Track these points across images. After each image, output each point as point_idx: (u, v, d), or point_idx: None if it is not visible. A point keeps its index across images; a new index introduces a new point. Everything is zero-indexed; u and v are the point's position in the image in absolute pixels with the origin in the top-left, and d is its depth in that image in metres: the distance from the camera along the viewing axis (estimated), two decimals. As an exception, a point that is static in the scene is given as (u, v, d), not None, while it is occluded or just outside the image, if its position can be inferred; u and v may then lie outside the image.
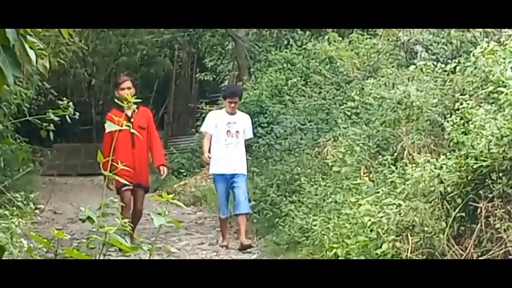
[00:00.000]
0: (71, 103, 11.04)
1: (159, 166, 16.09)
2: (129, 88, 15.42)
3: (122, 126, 6.41)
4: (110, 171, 13.53)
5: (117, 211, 7.54)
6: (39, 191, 20.82)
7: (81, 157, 26.87)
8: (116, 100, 6.94)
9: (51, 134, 12.97)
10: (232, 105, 16.89)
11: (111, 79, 31.59)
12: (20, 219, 8.32)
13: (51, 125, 12.29)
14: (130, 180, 14.69)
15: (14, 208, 13.16)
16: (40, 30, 4.95)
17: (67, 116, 11.10)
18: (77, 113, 11.47)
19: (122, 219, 13.24)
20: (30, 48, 4.81)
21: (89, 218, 6.28)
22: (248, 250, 17.18)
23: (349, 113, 18.73)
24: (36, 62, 5.49)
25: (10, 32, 4.50)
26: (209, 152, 16.98)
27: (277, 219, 16.80)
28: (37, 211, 17.69)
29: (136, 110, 15.11)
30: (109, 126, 6.50)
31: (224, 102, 17.23)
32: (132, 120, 14.74)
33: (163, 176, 16.85)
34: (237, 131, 16.85)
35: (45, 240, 6.31)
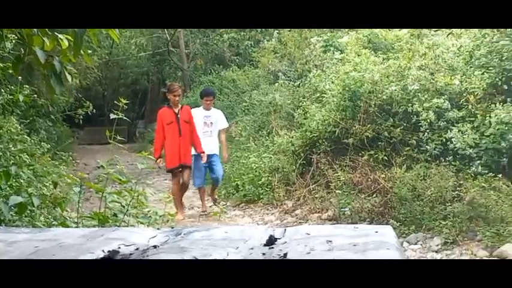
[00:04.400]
0: (91, 104, 10.97)
1: (200, 153, 12.88)
2: (179, 95, 12.87)
3: (118, 116, 6.35)
4: (161, 155, 12.65)
5: (118, 163, 7.42)
6: (77, 152, 20.55)
7: (99, 134, 26.40)
8: (118, 101, 6.68)
9: (81, 121, 12.90)
10: (208, 102, 13.64)
11: (115, 92, 31.21)
12: (65, 167, 8.35)
13: (81, 116, 12.28)
14: (178, 161, 12.52)
15: (62, 161, 13.08)
16: (74, 61, 4.65)
17: (89, 112, 11.03)
18: (94, 110, 11.35)
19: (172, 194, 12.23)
20: (69, 73, 4.78)
21: (102, 166, 6.28)
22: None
23: (243, 109, 18.79)
24: (72, 80, 5.48)
25: (57, 64, 4.43)
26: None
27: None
28: (75, 163, 17.57)
29: (181, 109, 12.77)
30: (112, 116, 6.46)
31: (202, 101, 13.79)
32: (178, 116, 12.57)
33: (204, 161, 12.96)
34: (211, 122, 13.50)
35: (77, 179, 6.26)
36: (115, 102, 7.15)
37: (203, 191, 13.58)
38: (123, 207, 6.24)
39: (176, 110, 12.66)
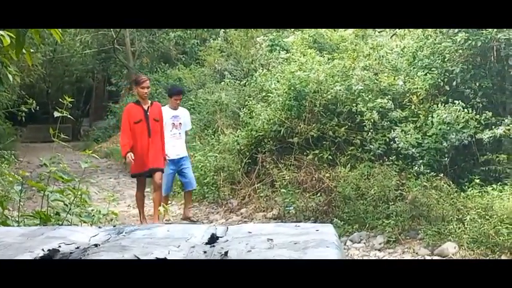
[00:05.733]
0: (34, 102, 10.74)
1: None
2: (148, 87, 11.14)
3: (62, 114, 6.28)
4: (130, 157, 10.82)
5: (61, 161, 7.31)
6: (20, 150, 20.22)
7: (43, 132, 25.99)
8: (65, 98, 6.56)
9: (24, 119, 12.67)
10: (178, 101, 12.10)
11: (59, 89, 30.73)
12: (7, 165, 8.24)
13: (24, 114, 12.07)
14: (149, 166, 10.92)
15: (4, 159, 12.87)
16: (17, 59, 4.50)
17: (33, 109, 10.84)
18: (38, 107, 11.13)
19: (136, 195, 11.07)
20: (9, 73, 4.70)
21: (44, 164, 6.22)
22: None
23: (189, 108, 18.61)
24: (13, 80, 5.40)
25: None
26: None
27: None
28: (17, 161, 17.27)
29: (150, 105, 11.09)
30: (56, 114, 6.38)
31: (170, 99, 12.15)
32: (148, 113, 10.90)
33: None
34: (179, 123, 11.92)
35: (19, 177, 6.19)
36: (59, 99, 7.08)
37: (166, 199, 12.22)
38: (66, 206, 6.18)
39: (145, 107, 11.01)
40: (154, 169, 11.02)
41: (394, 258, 9.66)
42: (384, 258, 10.12)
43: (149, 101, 11.21)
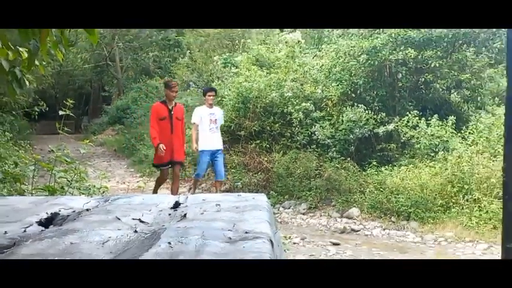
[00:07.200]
0: (44, 103, 10.47)
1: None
2: (176, 91, 9.82)
3: (65, 112, 6.15)
4: (155, 149, 9.46)
5: (65, 148, 7.16)
6: (35, 140, 19.77)
7: (52, 126, 25.38)
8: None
9: (37, 117, 12.35)
10: (212, 97, 10.62)
11: (65, 94, 29.97)
12: (24, 151, 8.12)
13: (37, 112, 11.78)
14: (170, 158, 9.50)
15: (21, 147, 12.54)
16: (27, 72, 4.25)
17: (43, 110, 10.57)
18: (48, 108, 10.86)
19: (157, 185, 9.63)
20: (27, 80, 4.58)
21: (52, 150, 6.12)
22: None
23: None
24: (30, 85, 5.27)
25: (18, 72, 4.20)
26: (197, 138, 10.55)
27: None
28: (32, 149, 16.90)
29: (174, 106, 9.65)
30: (61, 112, 6.25)
31: (205, 98, 10.74)
32: (172, 112, 9.51)
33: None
34: (215, 119, 10.52)
35: (32, 160, 6.06)
36: (64, 102, 6.96)
37: (196, 182, 11.23)
38: (69, 182, 6.11)
39: (170, 107, 9.69)
40: (174, 161, 9.69)
41: (393, 259, 7.63)
42: (306, 220, 10.21)
43: (173, 102, 9.84)
